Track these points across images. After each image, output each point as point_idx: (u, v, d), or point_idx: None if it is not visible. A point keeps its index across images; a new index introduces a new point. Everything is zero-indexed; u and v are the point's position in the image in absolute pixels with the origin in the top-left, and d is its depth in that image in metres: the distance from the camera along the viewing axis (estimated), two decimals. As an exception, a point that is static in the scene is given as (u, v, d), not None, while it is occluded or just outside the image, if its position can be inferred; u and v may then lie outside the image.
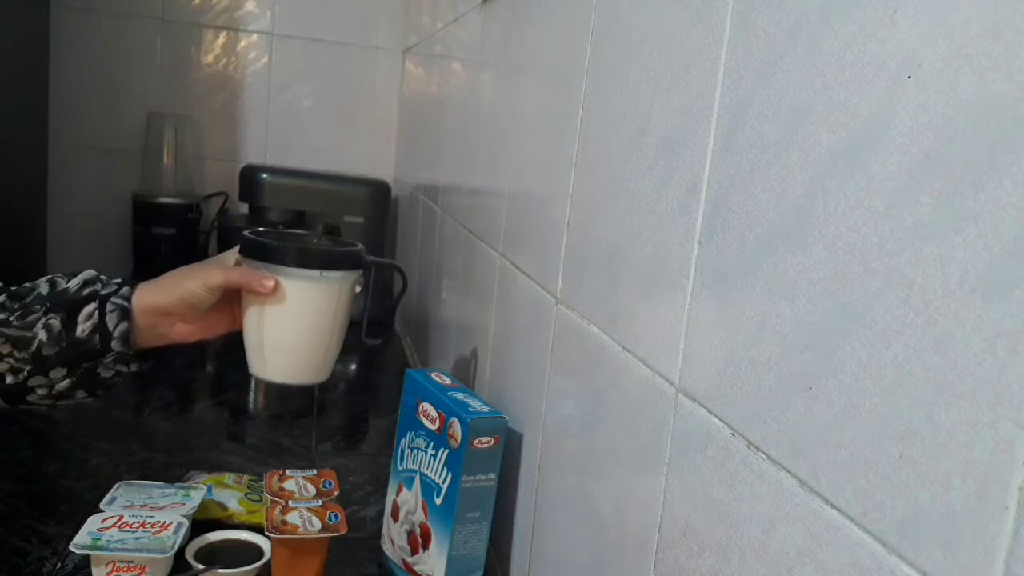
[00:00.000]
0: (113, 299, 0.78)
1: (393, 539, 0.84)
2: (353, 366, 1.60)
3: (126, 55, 1.80)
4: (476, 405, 0.77)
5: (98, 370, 0.78)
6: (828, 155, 0.37)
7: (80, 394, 0.79)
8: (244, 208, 1.78)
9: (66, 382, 0.77)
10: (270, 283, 0.78)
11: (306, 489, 0.85)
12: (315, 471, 0.89)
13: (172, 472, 0.97)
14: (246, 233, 0.82)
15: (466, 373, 1.03)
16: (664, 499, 0.50)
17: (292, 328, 0.81)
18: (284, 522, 0.78)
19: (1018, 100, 0.27)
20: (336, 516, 0.81)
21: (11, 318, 0.75)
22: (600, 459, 0.60)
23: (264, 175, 1.69)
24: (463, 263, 1.12)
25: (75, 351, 0.76)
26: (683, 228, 0.49)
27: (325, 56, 1.91)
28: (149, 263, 1.74)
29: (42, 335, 0.75)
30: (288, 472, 0.87)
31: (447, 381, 0.83)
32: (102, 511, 0.81)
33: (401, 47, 1.93)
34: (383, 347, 1.68)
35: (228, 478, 0.95)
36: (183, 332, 0.81)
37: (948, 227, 0.30)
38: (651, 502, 0.51)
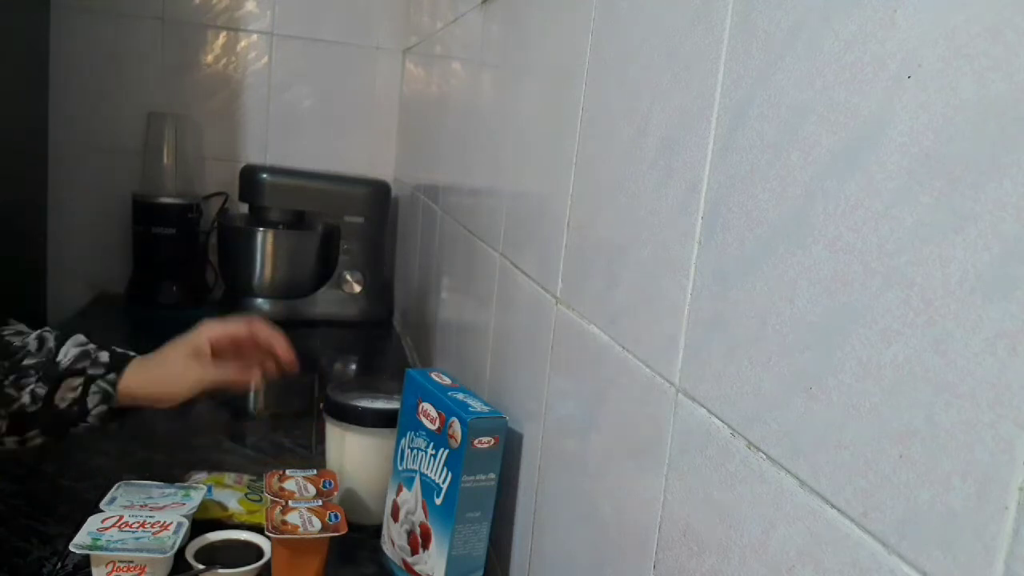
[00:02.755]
0: (99, 382, 0.84)
1: (393, 539, 0.84)
2: (353, 366, 1.60)
3: (126, 55, 1.80)
4: (476, 405, 0.77)
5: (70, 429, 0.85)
6: (828, 155, 0.37)
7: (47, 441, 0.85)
8: (244, 208, 1.78)
9: (39, 440, 0.84)
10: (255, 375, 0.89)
11: (306, 489, 0.85)
12: (315, 471, 0.89)
13: (172, 472, 0.97)
14: (329, 395, 0.95)
15: (466, 373, 1.03)
16: (664, 499, 0.50)
17: (366, 474, 0.92)
18: (284, 522, 0.78)
19: (1018, 100, 0.27)
20: (336, 516, 0.81)
21: (5, 381, 0.81)
22: (600, 459, 0.60)
23: (264, 175, 1.69)
24: (463, 263, 1.12)
25: (52, 416, 0.83)
26: (683, 228, 0.49)
27: (325, 56, 1.91)
28: (149, 263, 1.74)
29: (26, 399, 0.81)
30: (288, 472, 0.87)
31: (447, 381, 0.83)
32: (102, 511, 0.81)
33: (401, 47, 1.93)
34: (383, 347, 1.68)
35: (228, 478, 0.95)
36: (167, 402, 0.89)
37: (948, 227, 0.30)
38: (651, 502, 0.51)
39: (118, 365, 0.86)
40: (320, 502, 0.83)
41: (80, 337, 0.87)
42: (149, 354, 0.89)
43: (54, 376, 0.82)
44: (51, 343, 0.85)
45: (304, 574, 0.79)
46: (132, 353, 0.89)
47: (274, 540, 0.78)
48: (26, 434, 0.82)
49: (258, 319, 0.92)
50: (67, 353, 0.84)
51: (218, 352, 0.90)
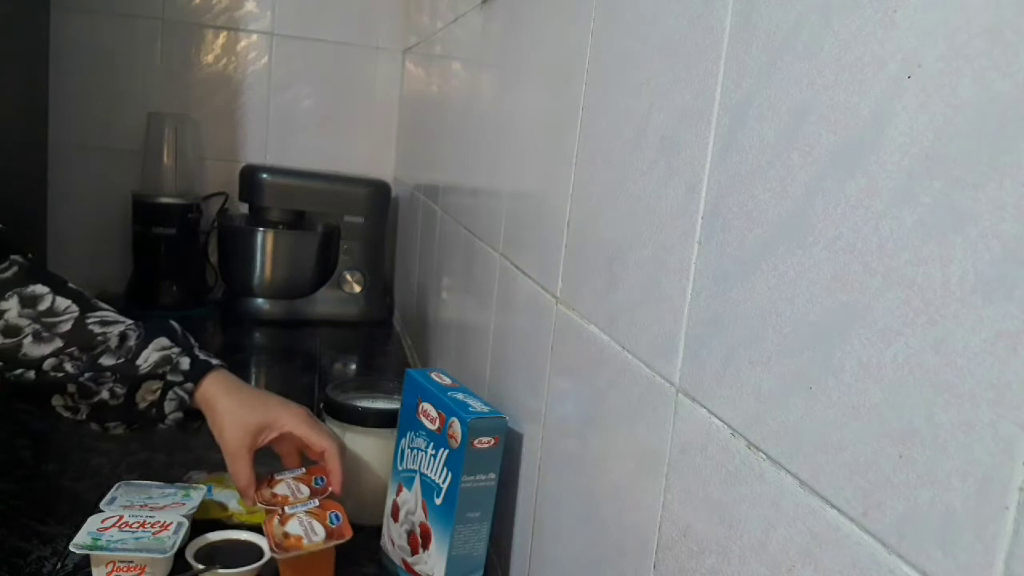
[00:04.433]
0: (176, 389, 0.84)
1: (393, 539, 0.84)
2: (353, 366, 1.60)
3: (126, 55, 1.80)
4: (476, 405, 0.77)
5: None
6: (828, 155, 0.37)
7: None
8: (244, 208, 1.78)
9: (120, 430, 0.85)
10: (251, 500, 0.83)
11: (299, 490, 0.82)
12: (303, 469, 0.86)
13: (172, 472, 0.97)
14: (329, 395, 0.94)
15: (466, 373, 1.03)
16: (664, 499, 0.50)
17: (366, 474, 0.92)
18: (286, 535, 0.75)
19: (1018, 100, 0.27)
20: (337, 516, 0.79)
21: (81, 376, 0.81)
22: (600, 459, 0.60)
23: (264, 175, 1.69)
24: (463, 263, 1.12)
25: (133, 415, 0.84)
26: (683, 228, 0.49)
27: (325, 56, 1.91)
28: (149, 263, 1.74)
29: (105, 395, 0.82)
30: (276, 476, 0.85)
31: (447, 381, 0.83)
32: (102, 511, 0.81)
33: (401, 47, 1.93)
34: (383, 347, 1.68)
35: (228, 478, 0.95)
36: None
37: (948, 227, 0.30)
38: (651, 502, 0.51)
39: (198, 375, 0.84)
40: (317, 502, 0.80)
41: (163, 340, 0.85)
42: (236, 378, 0.87)
43: (131, 379, 0.82)
44: (132, 342, 0.84)
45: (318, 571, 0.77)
46: (215, 361, 0.87)
47: (281, 562, 0.76)
48: (107, 424, 0.84)
49: (340, 445, 0.86)
50: (148, 358, 0.83)
51: (285, 440, 0.86)
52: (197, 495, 0.87)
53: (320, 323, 1.72)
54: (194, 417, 0.86)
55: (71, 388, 0.81)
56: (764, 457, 0.40)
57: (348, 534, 0.77)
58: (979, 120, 0.29)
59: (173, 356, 0.84)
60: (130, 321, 0.86)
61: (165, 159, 1.77)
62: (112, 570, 0.75)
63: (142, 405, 0.83)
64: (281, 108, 1.91)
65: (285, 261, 1.71)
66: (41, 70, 1.61)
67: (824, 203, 0.37)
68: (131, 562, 0.75)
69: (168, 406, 0.84)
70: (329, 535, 0.76)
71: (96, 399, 0.82)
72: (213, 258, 1.83)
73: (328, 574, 0.78)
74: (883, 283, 0.33)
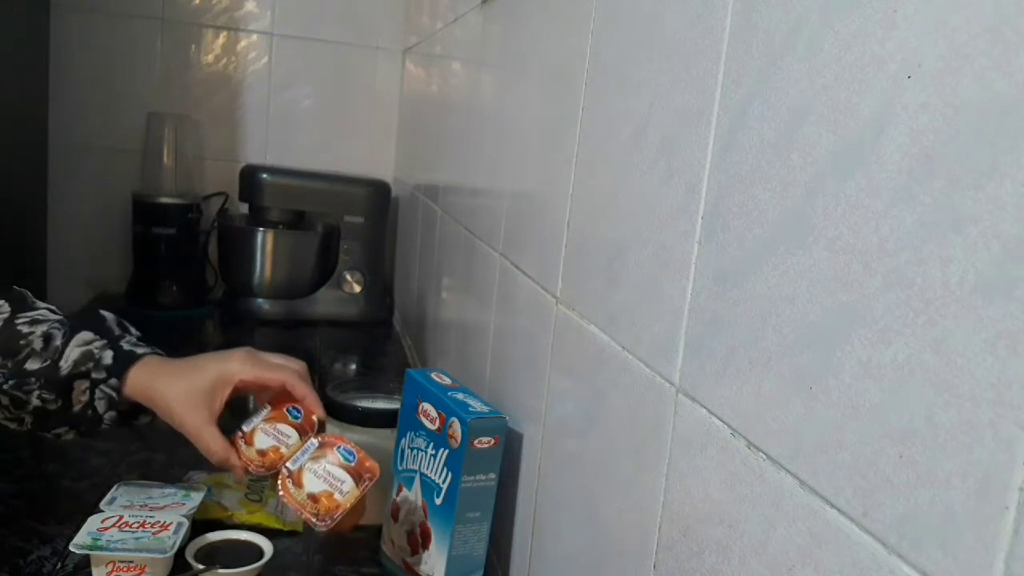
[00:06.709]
0: (102, 387, 0.78)
1: (393, 539, 0.84)
2: (353, 366, 1.60)
3: (126, 55, 1.80)
4: (476, 405, 0.77)
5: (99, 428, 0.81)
6: (828, 155, 0.37)
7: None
8: (244, 208, 1.78)
9: (70, 436, 0.80)
10: (240, 469, 0.78)
11: (283, 434, 0.76)
12: (267, 407, 0.79)
13: (172, 472, 0.97)
14: (329, 395, 0.90)
15: (466, 373, 1.03)
16: (664, 499, 0.50)
17: None
18: (313, 498, 0.68)
19: (1018, 100, 0.27)
20: (349, 451, 0.71)
21: (4, 385, 0.76)
22: (600, 459, 0.60)
23: (264, 175, 1.69)
24: (463, 263, 1.12)
25: (72, 418, 0.79)
26: (683, 228, 0.49)
27: (325, 56, 1.91)
28: (149, 263, 1.74)
29: (36, 402, 0.77)
30: (244, 428, 0.77)
31: (447, 381, 0.83)
32: (102, 511, 0.81)
33: (401, 47, 1.93)
34: (383, 347, 1.68)
35: (228, 478, 0.95)
36: None
37: (948, 227, 0.30)
38: (651, 502, 0.51)
39: (121, 369, 0.78)
40: (316, 442, 0.72)
41: (85, 335, 0.79)
42: (168, 358, 0.81)
43: (56, 383, 0.77)
44: (58, 341, 0.77)
45: (353, 519, 0.75)
46: (142, 350, 0.81)
47: (325, 534, 0.69)
48: (55, 431, 0.79)
49: (300, 368, 0.82)
50: (69, 357, 0.77)
51: (242, 389, 0.81)
52: (197, 495, 0.87)
53: (320, 323, 1.73)
54: (145, 412, 0.81)
55: (3, 400, 0.76)
56: (764, 457, 0.40)
57: (376, 469, 0.70)
58: (979, 120, 0.29)
59: (95, 351, 0.78)
60: (58, 318, 0.80)
61: (165, 159, 1.77)
62: (112, 570, 0.75)
63: (76, 408, 0.78)
64: (281, 108, 1.91)
65: (285, 261, 1.72)
66: (41, 70, 1.61)
67: (824, 203, 0.37)
68: (131, 562, 0.75)
69: (100, 406, 0.78)
70: (356, 477, 0.69)
71: (32, 407, 0.77)
72: (213, 258, 1.83)
73: (362, 510, 0.73)
74: (883, 283, 0.33)
